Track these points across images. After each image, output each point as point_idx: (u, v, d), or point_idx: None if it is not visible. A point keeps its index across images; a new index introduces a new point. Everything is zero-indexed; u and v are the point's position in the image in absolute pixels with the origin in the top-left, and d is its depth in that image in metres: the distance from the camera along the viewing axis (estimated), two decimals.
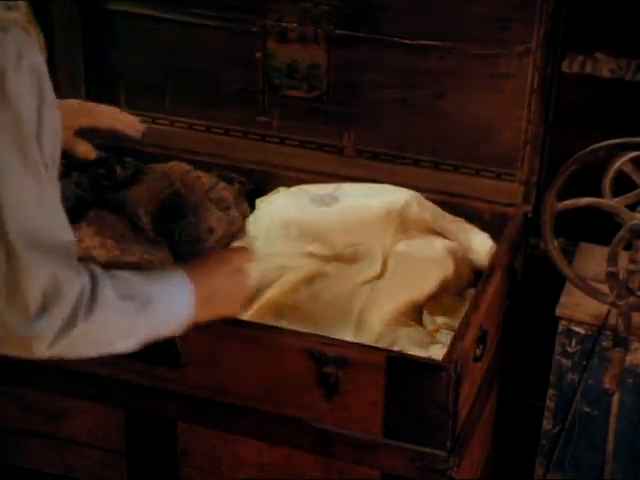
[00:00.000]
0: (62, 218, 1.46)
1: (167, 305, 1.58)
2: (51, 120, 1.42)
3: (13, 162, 1.38)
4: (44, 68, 1.41)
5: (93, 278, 1.47)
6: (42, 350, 1.43)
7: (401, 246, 2.13)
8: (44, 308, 1.41)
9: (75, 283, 1.44)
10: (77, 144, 2.01)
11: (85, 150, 2.03)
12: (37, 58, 1.40)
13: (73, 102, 2.05)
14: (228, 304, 1.72)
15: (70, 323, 1.43)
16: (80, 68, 2.56)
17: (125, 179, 2.20)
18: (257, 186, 2.42)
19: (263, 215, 2.22)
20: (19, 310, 1.40)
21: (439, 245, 2.17)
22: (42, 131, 1.40)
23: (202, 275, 1.65)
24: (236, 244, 2.15)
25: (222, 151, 2.47)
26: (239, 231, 2.20)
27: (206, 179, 2.30)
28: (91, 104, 2.10)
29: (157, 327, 1.57)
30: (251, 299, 1.93)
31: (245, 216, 2.25)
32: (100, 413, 2.09)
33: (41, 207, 1.41)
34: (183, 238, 2.10)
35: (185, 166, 2.33)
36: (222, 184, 2.31)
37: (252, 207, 2.33)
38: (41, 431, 2.16)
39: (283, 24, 2.39)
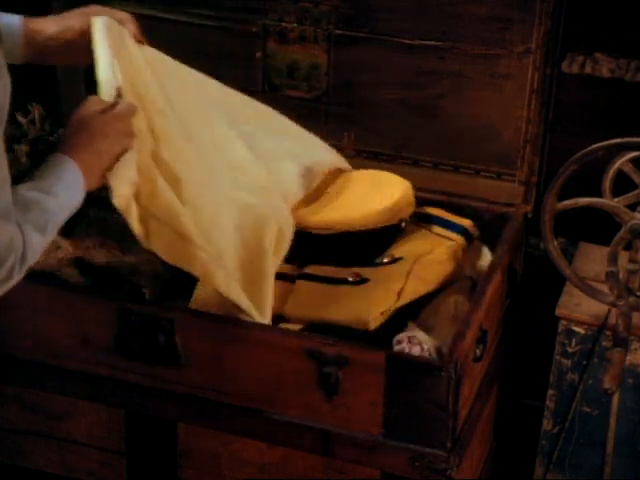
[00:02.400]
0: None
1: (71, 202, 1.68)
2: None
3: None
4: None
5: (20, 229, 1.56)
6: None
7: None
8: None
9: (18, 239, 1.55)
10: None
11: None
12: None
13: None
14: (111, 156, 1.76)
15: (9, 275, 1.55)
16: (80, 68, 2.56)
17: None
18: None
19: None
20: None
21: None
22: None
23: (85, 148, 1.70)
24: None
25: None
26: None
27: None
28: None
29: (62, 218, 1.67)
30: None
31: None
32: (100, 413, 2.09)
33: None
34: None
35: None
36: None
37: None
38: (41, 431, 2.16)
39: (283, 24, 2.39)
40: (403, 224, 2.21)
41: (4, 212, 1.53)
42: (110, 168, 1.76)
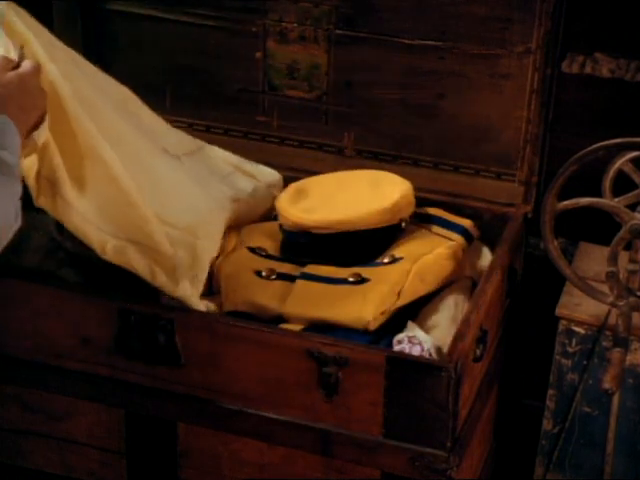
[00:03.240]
0: None
1: (16, 156, 1.67)
2: None
3: None
4: None
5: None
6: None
7: None
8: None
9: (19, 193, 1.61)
10: None
11: None
12: None
13: None
14: (35, 112, 1.79)
15: (16, 220, 1.60)
16: None
17: None
18: None
19: None
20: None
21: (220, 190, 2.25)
22: None
23: (10, 105, 1.71)
24: None
25: None
26: None
27: None
28: None
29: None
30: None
31: None
32: (100, 413, 2.09)
33: None
34: None
35: None
36: None
37: None
38: (41, 431, 2.16)
39: (283, 24, 2.39)
40: (403, 224, 2.21)
41: None
42: (35, 126, 1.79)
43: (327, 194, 2.24)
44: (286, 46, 2.41)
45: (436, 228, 2.26)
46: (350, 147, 2.44)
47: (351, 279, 2.10)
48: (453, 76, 2.31)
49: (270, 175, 2.39)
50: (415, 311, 2.11)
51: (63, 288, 2.04)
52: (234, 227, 2.25)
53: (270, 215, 2.33)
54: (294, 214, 2.18)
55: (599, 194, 2.14)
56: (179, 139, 2.32)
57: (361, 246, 2.17)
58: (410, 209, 2.23)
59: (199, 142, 2.36)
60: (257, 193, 2.33)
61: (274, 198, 2.32)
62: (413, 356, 1.91)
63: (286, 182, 2.36)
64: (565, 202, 1.99)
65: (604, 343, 2.17)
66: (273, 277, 2.14)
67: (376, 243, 2.18)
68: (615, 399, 2.12)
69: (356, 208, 2.17)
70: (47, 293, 2.02)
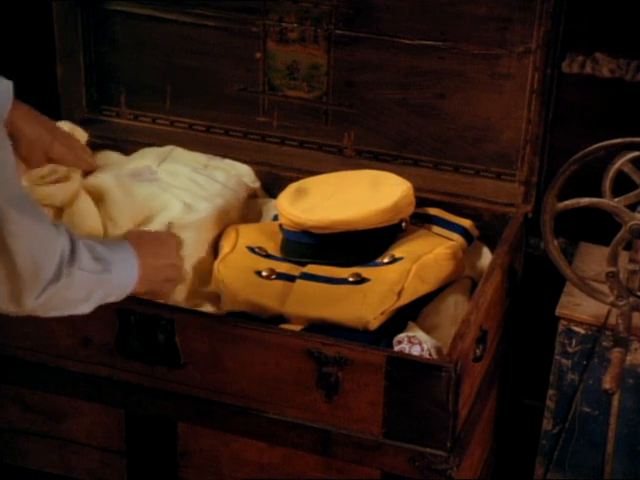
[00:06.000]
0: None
1: (121, 273, 1.73)
2: None
3: None
4: None
5: (71, 238, 1.60)
6: (31, 300, 1.55)
7: None
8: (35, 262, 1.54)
9: (59, 241, 1.57)
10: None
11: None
12: None
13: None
14: (163, 284, 1.90)
15: (57, 276, 1.56)
16: (80, 68, 2.56)
17: None
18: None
19: None
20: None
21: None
22: None
23: (146, 253, 1.80)
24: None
25: (222, 151, 2.48)
26: None
27: None
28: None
29: (110, 292, 1.72)
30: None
31: None
32: (100, 413, 2.09)
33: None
34: None
35: None
36: None
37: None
38: (41, 431, 2.16)
39: (283, 24, 2.39)
40: (403, 224, 2.21)
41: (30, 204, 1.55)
42: (165, 283, 1.90)
43: (327, 194, 2.24)
44: (286, 46, 2.41)
45: (436, 228, 2.26)
46: (350, 147, 2.44)
47: (351, 279, 2.11)
48: (453, 76, 2.31)
49: (240, 166, 2.43)
50: (415, 311, 2.11)
51: None
52: (231, 225, 2.26)
53: (248, 202, 2.39)
54: (294, 214, 2.18)
55: (599, 194, 2.14)
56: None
57: (361, 246, 2.17)
58: (410, 209, 2.23)
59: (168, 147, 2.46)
60: (231, 183, 2.36)
61: (248, 188, 2.39)
62: (413, 356, 1.91)
63: (286, 182, 2.36)
64: (565, 202, 1.99)
65: (604, 343, 2.17)
66: (273, 277, 2.14)
67: (376, 243, 2.18)
68: (615, 399, 2.12)
69: (356, 208, 2.18)
70: None
